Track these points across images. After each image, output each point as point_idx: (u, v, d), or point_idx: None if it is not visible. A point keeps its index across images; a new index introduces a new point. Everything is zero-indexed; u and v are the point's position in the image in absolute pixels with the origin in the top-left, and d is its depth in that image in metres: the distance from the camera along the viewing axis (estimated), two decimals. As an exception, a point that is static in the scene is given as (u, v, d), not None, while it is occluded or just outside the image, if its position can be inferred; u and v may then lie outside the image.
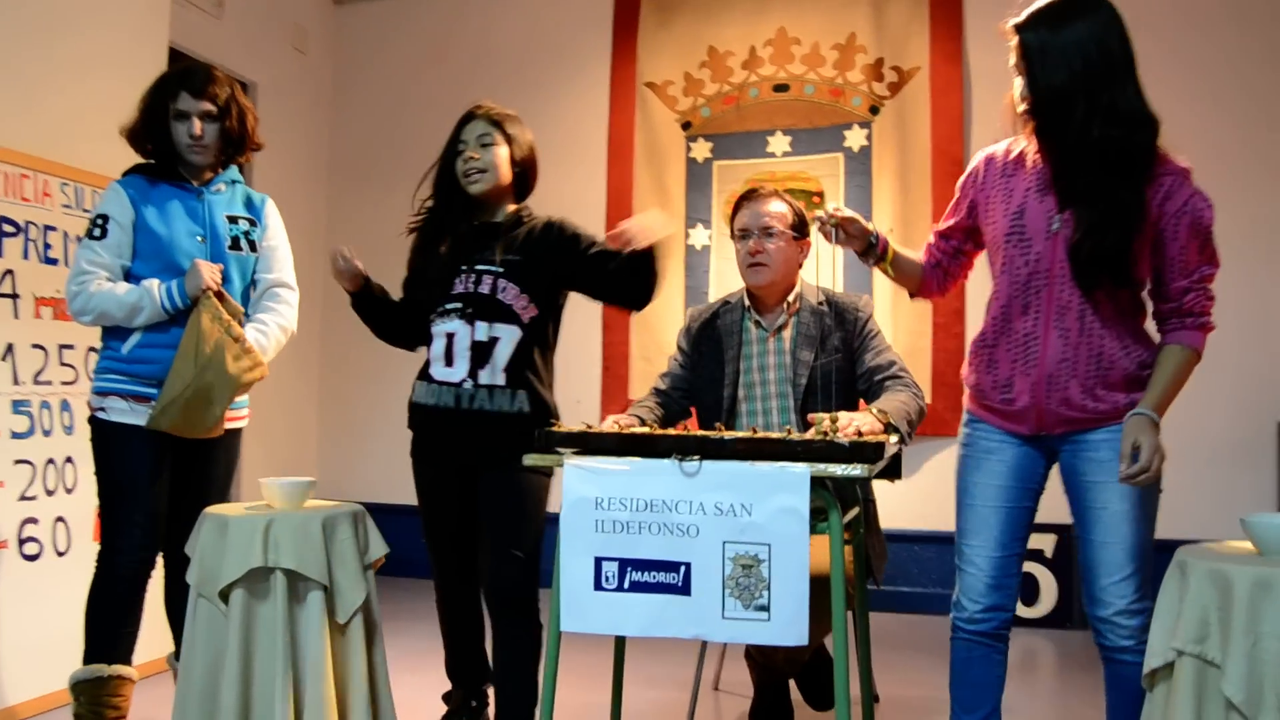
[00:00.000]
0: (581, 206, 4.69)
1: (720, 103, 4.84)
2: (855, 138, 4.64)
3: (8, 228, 3.12)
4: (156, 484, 2.63)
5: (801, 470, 2.04)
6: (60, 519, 3.15)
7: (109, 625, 2.61)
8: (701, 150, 4.86)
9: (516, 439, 2.45)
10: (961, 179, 2.30)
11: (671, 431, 2.21)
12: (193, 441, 2.65)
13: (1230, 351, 4.21)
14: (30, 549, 3.05)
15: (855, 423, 2.22)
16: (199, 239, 2.67)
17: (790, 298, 2.73)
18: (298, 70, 5.25)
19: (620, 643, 2.58)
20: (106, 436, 2.62)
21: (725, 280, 4.78)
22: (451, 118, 5.65)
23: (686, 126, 4.88)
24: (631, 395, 4.89)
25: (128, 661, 2.63)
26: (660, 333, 4.75)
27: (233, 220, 2.75)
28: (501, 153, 2.66)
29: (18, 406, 3.08)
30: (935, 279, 2.39)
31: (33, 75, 3.28)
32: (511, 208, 2.72)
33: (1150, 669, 1.87)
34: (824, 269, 4.64)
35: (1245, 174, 4.25)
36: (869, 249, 2.30)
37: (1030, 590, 4.28)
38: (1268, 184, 4.27)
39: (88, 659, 2.59)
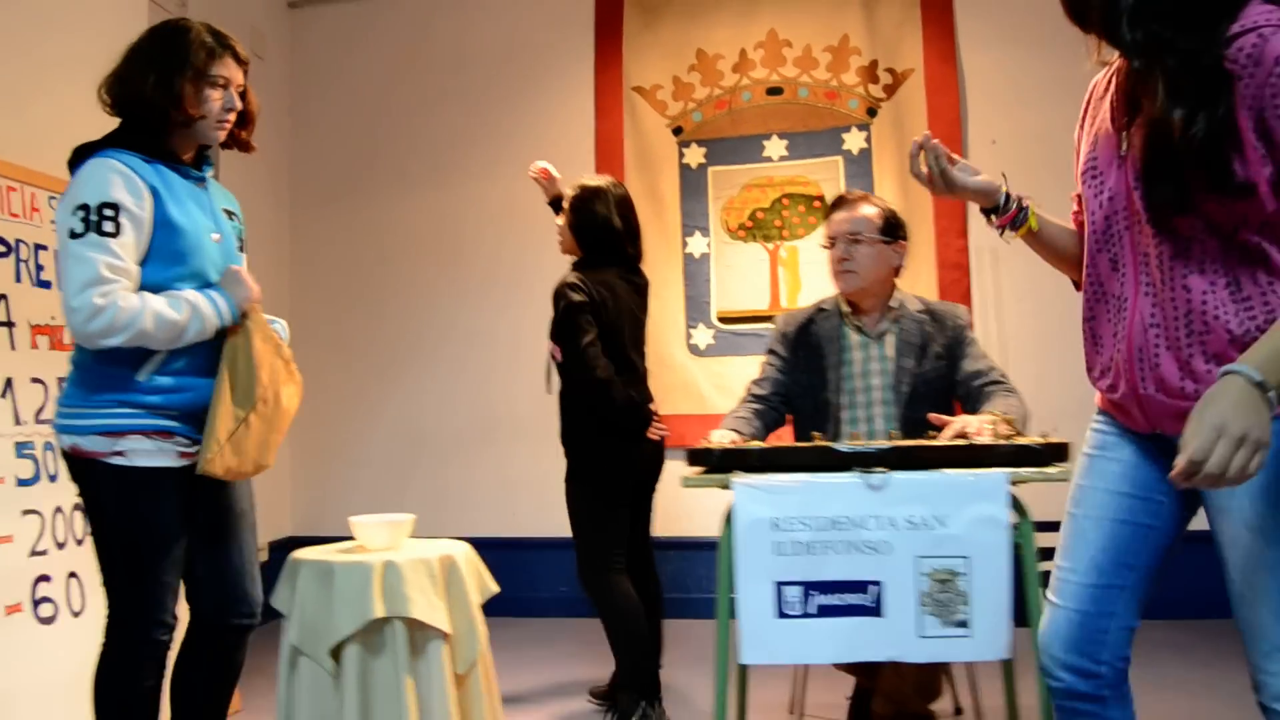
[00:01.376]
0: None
1: (712, 107, 4.72)
2: (854, 140, 4.59)
3: (-2, 247, 2.75)
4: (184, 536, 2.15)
5: (999, 476, 1.93)
6: (73, 575, 2.79)
7: (139, 715, 2.09)
8: (695, 156, 4.73)
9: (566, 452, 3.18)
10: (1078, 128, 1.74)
11: (855, 444, 2.06)
12: (210, 481, 2.14)
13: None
14: (45, 610, 2.68)
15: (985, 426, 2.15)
16: (214, 237, 2.16)
17: (892, 303, 2.63)
18: (256, 76, 4.88)
19: (743, 670, 2.41)
20: (130, 486, 2.03)
21: (727, 288, 4.65)
22: (424, 125, 5.42)
23: (678, 132, 4.74)
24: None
25: None
26: (661, 346, 4.58)
27: (229, 215, 2.27)
28: (563, 226, 3.24)
29: (21, 450, 2.71)
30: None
31: (11, 79, 2.93)
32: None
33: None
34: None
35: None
36: (996, 211, 1.80)
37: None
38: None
39: None
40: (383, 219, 5.06)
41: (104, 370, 2.04)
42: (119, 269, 1.98)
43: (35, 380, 2.79)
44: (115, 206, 1.99)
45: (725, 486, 2.00)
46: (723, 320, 4.66)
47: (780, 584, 1.97)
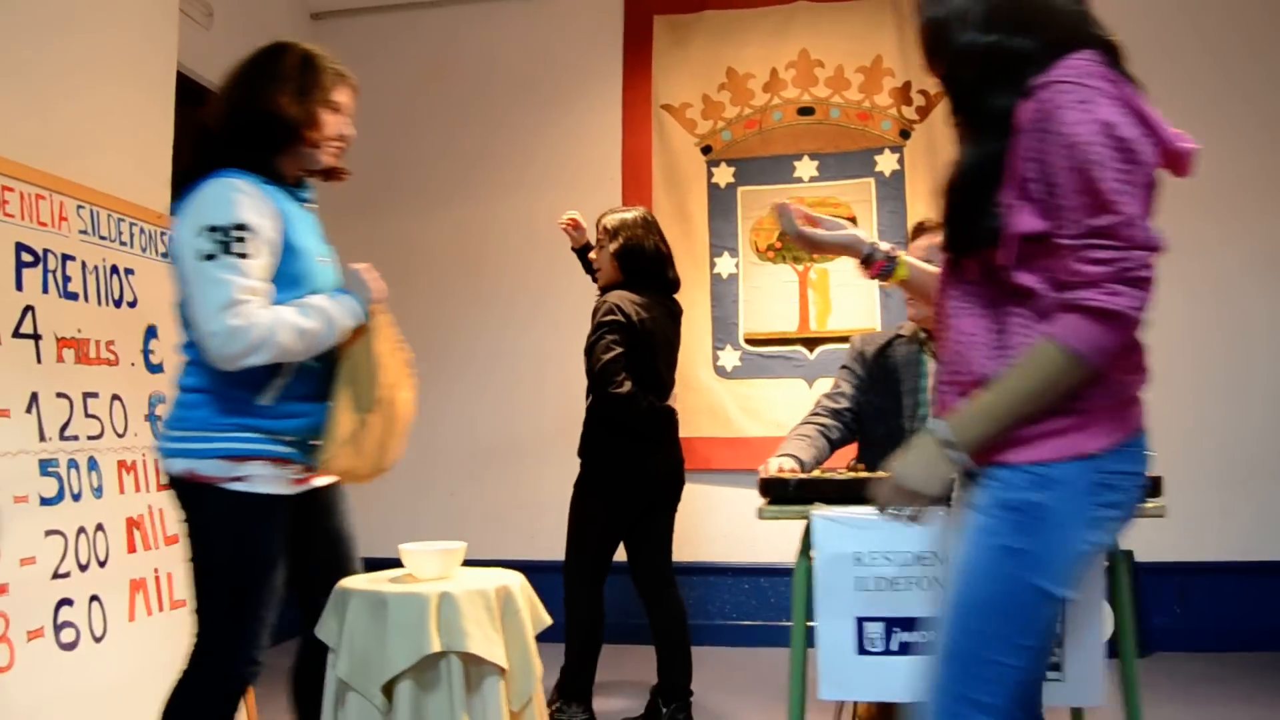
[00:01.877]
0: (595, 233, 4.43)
1: (742, 126, 4.65)
2: (887, 162, 4.52)
3: (26, 256, 2.64)
4: None
5: (1095, 511, 1.84)
6: (95, 598, 2.67)
7: None
8: (724, 175, 4.65)
9: None
10: None
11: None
12: (321, 508, 2.19)
13: (1261, 365, 4.25)
14: (66, 636, 2.56)
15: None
16: (321, 260, 2.15)
17: None
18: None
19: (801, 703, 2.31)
20: (245, 513, 2.00)
21: (755, 309, 4.57)
22: (448, 140, 5.32)
23: (707, 151, 4.67)
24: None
25: None
26: (688, 367, 4.48)
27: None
28: (603, 255, 3.28)
29: (45, 467, 2.59)
30: None
31: (39, 83, 2.84)
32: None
33: None
34: (861, 299, 4.50)
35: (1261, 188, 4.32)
36: (868, 261, 1.90)
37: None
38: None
39: None
40: (404, 234, 4.97)
41: (228, 394, 2.01)
42: (252, 289, 1.94)
43: (60, 395, 2.68)
44: (245, 227, 1.95)
45: (803, 518, 1.91)
46: (750, 342, 4.58)
47: (861, 619, 1.87)
